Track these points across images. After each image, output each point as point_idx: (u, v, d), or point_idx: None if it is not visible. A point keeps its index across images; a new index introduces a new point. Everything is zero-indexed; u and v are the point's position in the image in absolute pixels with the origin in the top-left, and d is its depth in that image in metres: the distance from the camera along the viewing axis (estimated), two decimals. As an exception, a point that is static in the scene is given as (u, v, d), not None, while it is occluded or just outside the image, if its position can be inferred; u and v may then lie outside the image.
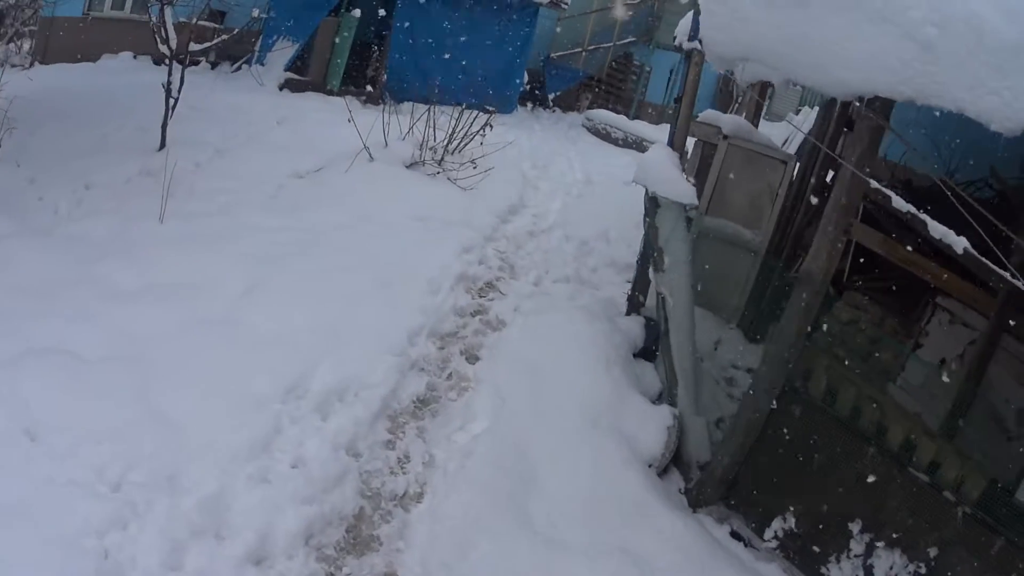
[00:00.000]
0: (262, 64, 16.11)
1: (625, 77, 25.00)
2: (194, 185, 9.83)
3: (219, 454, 5.35)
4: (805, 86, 5.41)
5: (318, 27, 16.28)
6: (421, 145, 11.94)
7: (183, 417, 5.58)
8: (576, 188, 13.92)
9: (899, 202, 5.26)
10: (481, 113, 12.82)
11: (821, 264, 5.49)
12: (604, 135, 20.23)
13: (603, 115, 20.81)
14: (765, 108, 28.00)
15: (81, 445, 5.12)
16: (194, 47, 12.10)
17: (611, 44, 23.10)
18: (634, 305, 8.52)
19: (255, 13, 15.30)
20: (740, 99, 28.99)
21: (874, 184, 5.08)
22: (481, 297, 8.86)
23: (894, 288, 9.52)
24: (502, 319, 8.42)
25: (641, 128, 20.34)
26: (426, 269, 8.68)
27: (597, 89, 24.19)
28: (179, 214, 8.93)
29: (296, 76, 16.21)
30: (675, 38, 9.89)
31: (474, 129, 12.56)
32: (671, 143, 8.04)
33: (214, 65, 16.20)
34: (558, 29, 22.06)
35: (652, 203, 7.34)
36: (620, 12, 22.56)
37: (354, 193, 10.46)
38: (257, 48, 16.26)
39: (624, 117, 21.45)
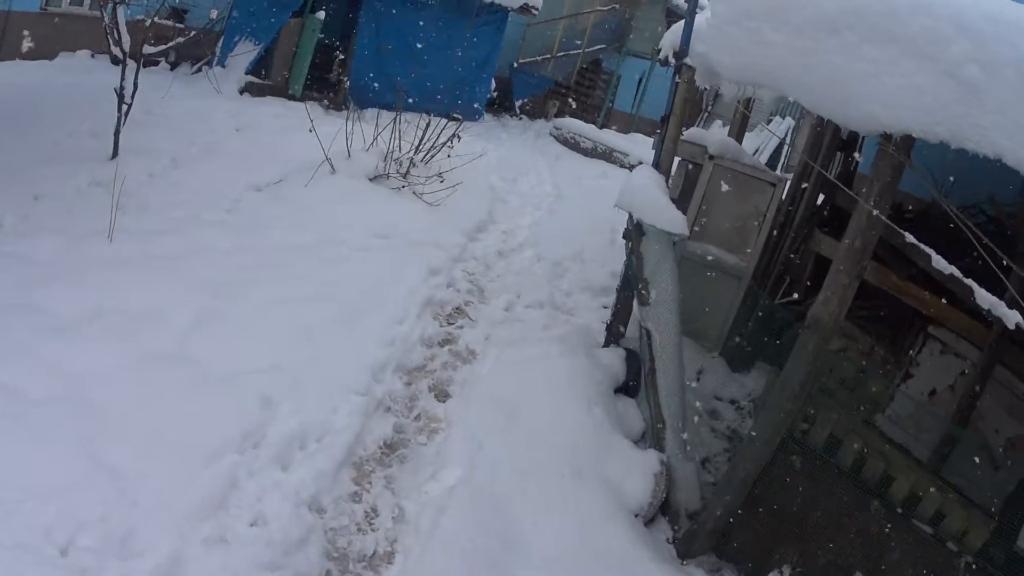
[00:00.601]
0: (223, 66, 15.38)
1: (594, 85, 24.63)
2: (147, 199, 9.20)
3: (173, 512, 4.83)
4: (826, 117, 4.97)
5: (281, 29, 15.64)
6: (386, 156, 11.40)
7: (133, 470, 5.03)
8: (547, 202, 13.47)
9: (910, 239, 4.87)
10: (448, 121, 12.31)
11: (832, 311, 5.05)
12: (573, 144, 19.79)
13: (571, 124, 20.39)
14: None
15: (26, 502, 4.60)
16: (149, 49, 11.50)
17: (580, 51, 22.65)
18: (613, 335, 8.05)
19: (213, 14, 14.65)
20: (709, 108, 28.81)
21: (891, 226, 4.65)
22: (450, 324, 8.36)
23: (883, 315, 9.20)
24: (473, 350, 7.92)
25: (610, 138, 19.94)
26: (392, 294, 8.18)
27: (565, 97, 23.77)
28: (130, 231, 8.29)
29: (257, 80, 15.56)
30: (658, 50, 9.45)
31: (442, 140, 12.04)
32: (657, 164, 7.57)
33: (174, 66, 15.44)
34: (527, 35, 21.60)
35: (637, 230, 6.86)
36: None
37: (315, 209, 9.90)
38: (218, 49, 15.54)
39: (593, 126, 21.07)
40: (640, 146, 19.59)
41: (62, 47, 14.55)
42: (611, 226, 12.14)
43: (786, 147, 25.85)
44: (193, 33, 13.88)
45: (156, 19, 12.27)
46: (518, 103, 21.88)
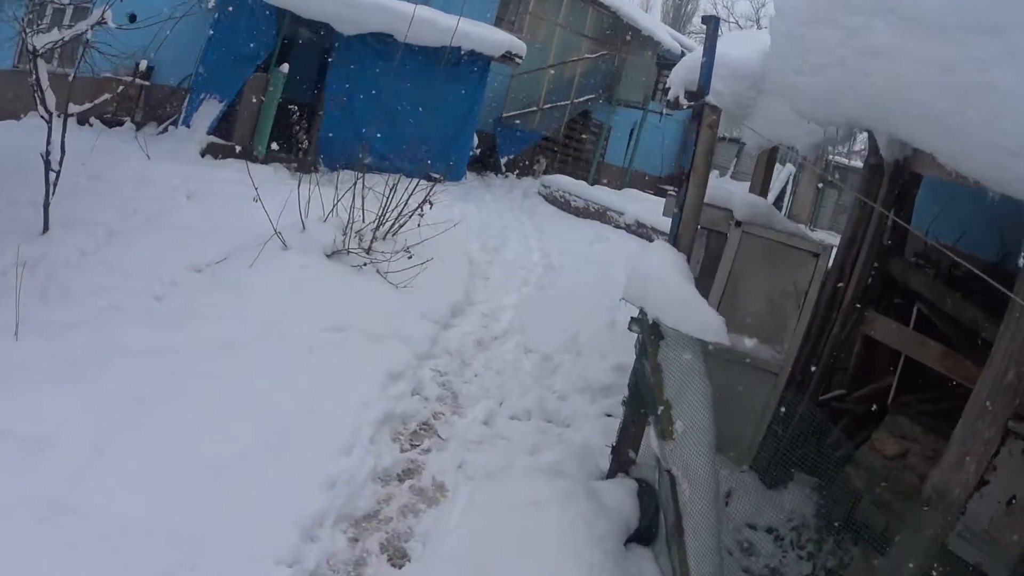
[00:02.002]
0: (188, 125, 14.17)
1: (583, 137, 23.28)
2: (71, 283, 7.83)
3: None
4: (973, 178, 3.19)
5: (244, 85, 14.19)
6: (346, 228, 9.69)
7: None
8: (535, 275, 11.72)
9: None
10: (422, 182, 10.65)
11: (966, 478, 3.31)
12: (563, 204, 18.18)
13: (561, 181, 18.79)
14: (733, 166, 26.41)
15: None
16: (75, 108, 10.00)
17: (568, 102, 21.17)
18: (621, 462, 6.25)
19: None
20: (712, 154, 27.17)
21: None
22: (413, 447, 6.57)
23: (951, 409, 7.50)
24: (441, 484, 6.13)
25: (603, 195, 18.28)
26: (339, 411, 6.44)
27: (554, 151, 22.31)
28: (43, 326, 6.86)
29: (220, 140, 14.07)
30: (665, 90, 7.78)
31: (412, 205, 10.33)
32: (675, 238, 5.83)
33: (139, 127, 14.36)
34: (511, 87, 20.18)
35: (652, 333, 5.12)
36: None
37: (259, 294, 8.20)
38: (184, 108, 14.41)
39: (584, 183, 19.50)
40: (635, 203, 17.99)
41: (31, 107, 13.60)
42: (609, 303, 10.42)
43: (788, 196, 24.40)
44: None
45: (121, 76, 11.32)
46: (503, 160, 20.38)
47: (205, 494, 5.16)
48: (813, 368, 7.14)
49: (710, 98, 5.50)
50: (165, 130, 14.41)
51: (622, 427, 6.25)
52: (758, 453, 7.38)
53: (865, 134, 6.71)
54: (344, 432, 6.20)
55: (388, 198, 10.06)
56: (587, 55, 21.64)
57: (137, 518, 4.79)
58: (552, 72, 20.96)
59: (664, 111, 23.88)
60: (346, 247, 9.53)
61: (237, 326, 7.48)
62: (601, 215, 17.47)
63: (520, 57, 17.79)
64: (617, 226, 16.94)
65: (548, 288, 11.09)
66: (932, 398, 7.42)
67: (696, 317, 4.83)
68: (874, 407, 7.47)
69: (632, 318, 5.43)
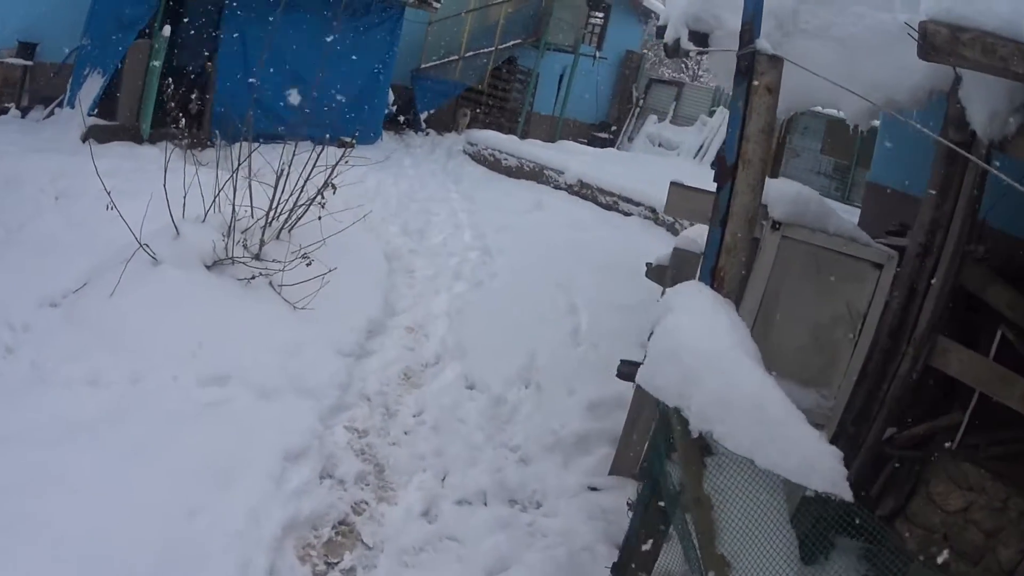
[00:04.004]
0: (72, 106, 11.86)
1: (510, 86, 21.33)
2: None
3: None
4: None
5: (126, 54, 11.95)
6: (229, 229, 7.53)
7: None
8: (468, 265, 9.62)
9: None
10: (335, 149, 8.52)
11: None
12: (492, 163, 16.08)
13: (489, 137, 16.67)
14: (672, 110, 24.46)
15: None
16: None
17: (492, 49, 19.02)
18: (627, 584, 4.31)
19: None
20: (641, 102, 25.29)
21: None
22: (330, 567, 4.58)
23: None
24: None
25: (538, 152, 16.17)
26: (219, 536, 4.40)
27: (478, 103, 20.28)
28: None
29: (103, 121, 11.83)
30: (659, 31, 5.70)
31: (314, 188, 8.17)
32: (712, 272, 3.81)
33: (24, 112, 12.09)
34: (429, 35, 17.98)
35: (692, 446, 3.17)
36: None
37: (119, 336, 6.10)
38: (69, 86, 12.13)
39: (514, 138, 17.44)
40: (575, 158, 15.94)
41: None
42: (565, 300, 8.47)
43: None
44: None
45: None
46: (423, 116, 18.21)
47: None
48: (871, 416, 5.31)
49: (764, 42, 3.51)
50: (51, 113, 12.23)
51: (628, 538, 4.30)
52: (794, 520, 5.55)
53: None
54: (228, 570, 4.17)
55: (281, 183, 7.90)
56: (512, -5, 19.52)
57: None
58: (474, 17, 18.74)
59: (598, 56, 21.97)
60: (230, 254, 7.38)
61: (88, 395, 5.42)
62: (537, 175, 15.40)
63: (438, 1, 15.61)
64: (557, 187, 14.89)
65: (487, 283, 9.02)
66: (1001, 439, 5.71)
67: (789, 445, 2.88)
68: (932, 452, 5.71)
69: (661, 410, 3.47)
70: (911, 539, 5.61)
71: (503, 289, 8.80)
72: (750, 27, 3.60)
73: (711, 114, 22.87)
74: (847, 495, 3.01)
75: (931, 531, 5.58)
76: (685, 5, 5.03)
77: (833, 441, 5.30)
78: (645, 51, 28.39)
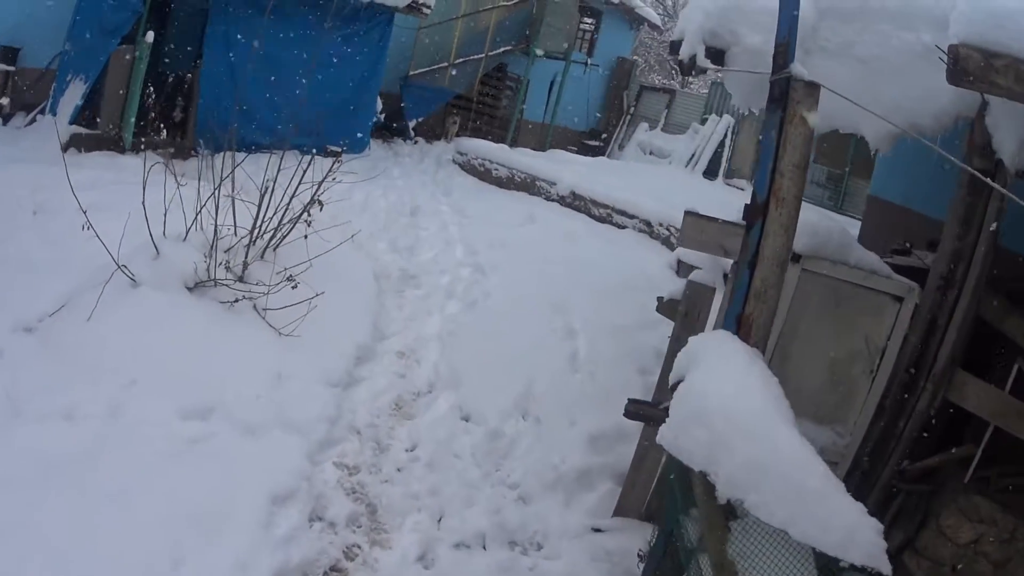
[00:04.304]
0: (54, 113, 11.46)
1: (500, 94, 21.00)
2: None
3: None
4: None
5: (108, 60, 11.55)
6: (211, 248, 7.23)
7: None
8: (460, 283, 9.31)
9: None
10: (323, 158, 8.33)
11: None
12: (483, 173, 15.76)
13: (479, 147, 16.35)
14: (663, 118, 24.17)
15: None
16: None
17: (482, 55, 18.72)
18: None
19: None
20: (632, 109, 24.99)
21: None
22: (315, 620, 4.29)
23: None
24: None
25: (529, 161, 15.82)
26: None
27: (468, 110, 20.09)
28: None
29: (85, 130, 11.48)
30: (673, 46, 5.38)
31: (304, 200, 7.89)
32: (738, 319, 3.52)
33: (6, 119, 11.70)
34: (418, 41, 17.78)
35: (715, 511, 2.90)
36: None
37: (98, 364, 5.78)
38: (52, 93, 11.74)
39: (504, 146, 17.09)
40: (567, 167, 15.67)
41: None
42: (562, 320, 8.20)
43: (727, 149, 22.29)
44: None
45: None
46: (412, 124, 17.87)
47: None
48: (886, 452, 5.05)
49: (800, 67, 3.24)
50: (33, 120, 11.85)
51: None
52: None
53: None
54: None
55: (265, 200, 7.60)
56: (503, 2, 19.15)
57: None
58: (464, 23, 18.42)
59: (590, 63, 21.70)
60: (212, 276, 7.08)
61: (64, 431, 5.10)
62: (529, 186, 15.10)
63: (428, 6, 15.29)
64: (549, 198, 14.59)
65: (480, 302, 8.71)
66: (1016, 471, 5.50)
67: (828, 518, 2.61)
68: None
69: (677, 464, 3.20)
70: (920, 572, 5.42)
71: (497, 309, 8.50)
72: (784, 49, 3.34)
73: (703, 122, 22.63)
74: (886, 569, 2.76)
75: (940, 563, 5.43)
76: (701, 20, 4.74)
77: (846, 478, 5.07)
78: (636, 57, 28.15)
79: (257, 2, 12.24)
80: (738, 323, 3.47)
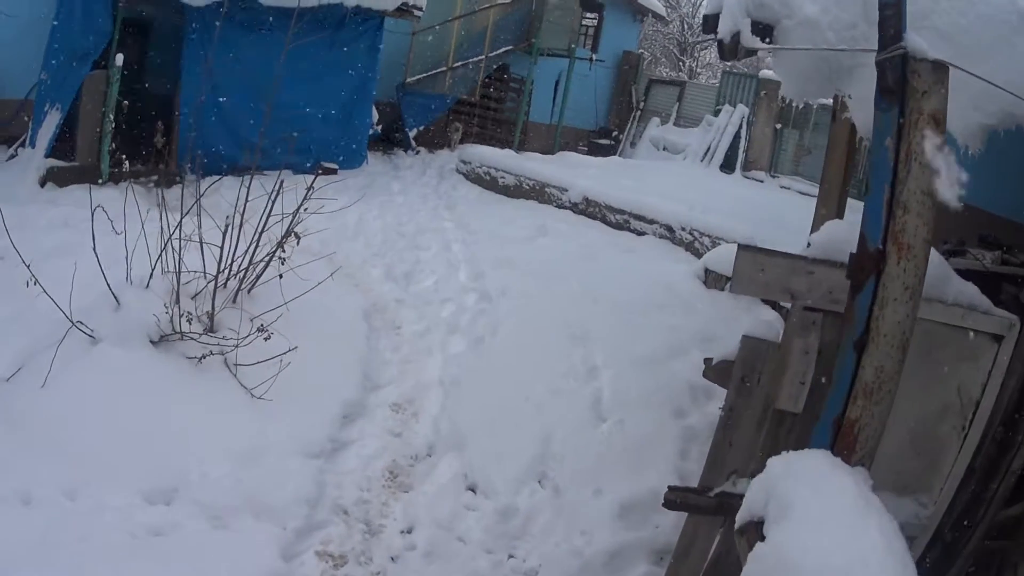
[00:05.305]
0: (33, 146, 10.93)
1: (503, 96, 20.16)
2: None
3: None
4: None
5: (81, 87, 10.89)
6: (177, 295, 6.35)
7: None
8: (465, 315, 8.32)
9: None
10: (304, 181, 7.49)
11: None
12: (488, 182, 14.84)
13: (484, 154, 15.42)
14: (675, 111, 23.19)
15: None
16: None
17: (482, 57, 17.83)
18: None
19: None
20: (642, 104, 23.99)
21: None
22: None
23: None
24: None
25: (538, 167, 14.84)
26: None
27: (471, 115, 19.23)
28: None
29: (61, 163, 10.79)
30: (707, 21, 4.34)
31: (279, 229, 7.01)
32: (836, 425, 2.53)
33: None
34: (414, 46, 16.91)
35: None
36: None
37: (53, 439, 5.05)
38: (31, 124, 11.20)
39: (510, 152, 16.23)
40: (578, 172, 14.74)
41: None
42: (582, 354, 7.24)
43: (743, 140, 21.22)
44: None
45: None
46: (412, 133, 17.00)
47: None
48: (976, 520, 4.11)
49: (918, 39, 2.28)
50: (15, 154, 11.27)
51: None
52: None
53: None
54: None
55: (231, 235, 6.69)
56: (500, 1, 18.28)
57: None
58: (460, 24, 17.56)
59: (595, 59, 20.72)
60: (178, 327, 6.19)
61: (20, 517, 4.41)
62: (538, 193, 14.15)
63: (420, 8, 14.42)
64: (560, 206, 13.65)
65: (487, 339, 7.70)
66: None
67: None
68: None
69: None
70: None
71: (507, 347, 7.50)
72: (896, 12, 2.32)
73: (716, 113, 21.67)
74: None
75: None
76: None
77: (927, 550, 4.14)
78: (641, 51, 27.19)
79: (234, 16, 11.39)
80: (836, 430, 2.49)
